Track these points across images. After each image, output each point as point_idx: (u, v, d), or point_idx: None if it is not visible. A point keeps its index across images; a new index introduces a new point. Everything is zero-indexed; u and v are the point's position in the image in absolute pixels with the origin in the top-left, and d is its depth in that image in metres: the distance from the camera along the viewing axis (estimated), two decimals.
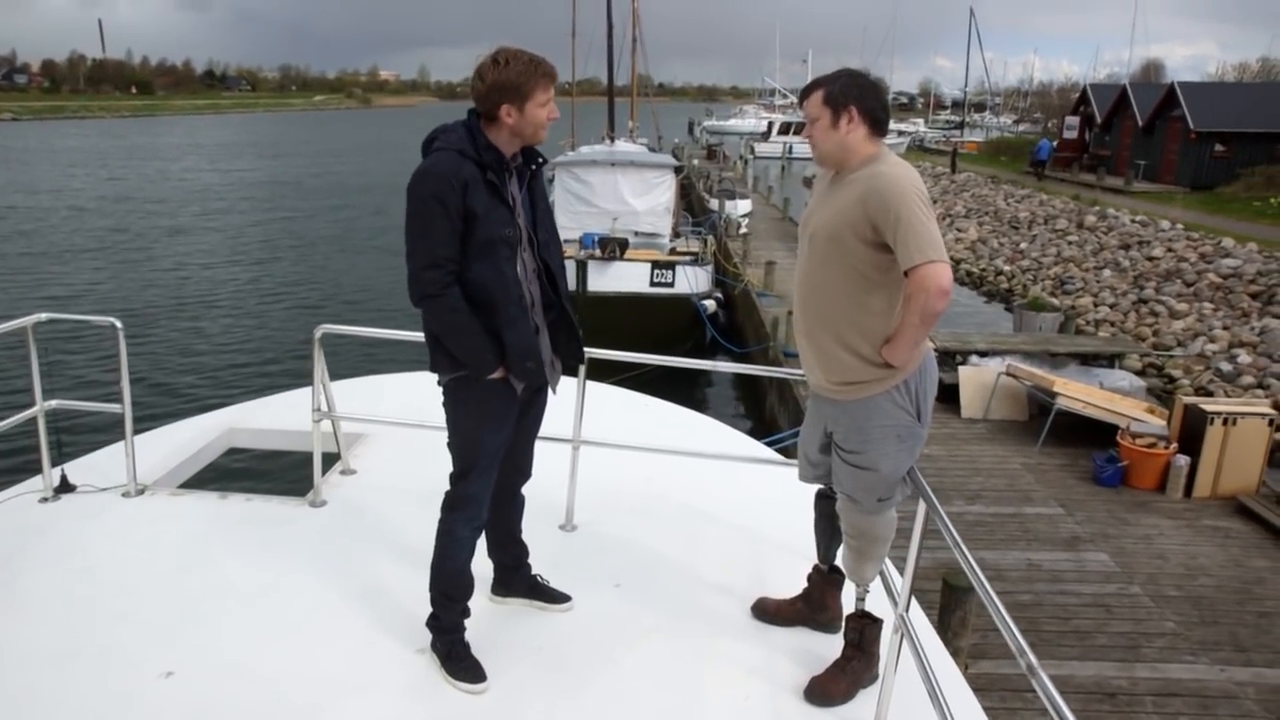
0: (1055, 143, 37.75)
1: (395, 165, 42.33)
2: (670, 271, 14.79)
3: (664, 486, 4.07)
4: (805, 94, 2.61)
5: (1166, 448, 8.30)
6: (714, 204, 23.88)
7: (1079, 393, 8.99)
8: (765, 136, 56.75)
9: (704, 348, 16.06)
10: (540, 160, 2.69)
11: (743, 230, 21.96)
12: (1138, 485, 8.22)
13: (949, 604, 5.09)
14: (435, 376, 2.69)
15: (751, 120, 71.05)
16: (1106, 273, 19.65)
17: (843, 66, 2.66)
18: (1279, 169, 26.89)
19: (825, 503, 2.97)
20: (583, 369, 3.29)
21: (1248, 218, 23.69)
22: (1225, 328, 14.65)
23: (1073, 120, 38.85)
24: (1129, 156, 32.39)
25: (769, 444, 6.11)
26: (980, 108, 77.32)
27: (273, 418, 4.66)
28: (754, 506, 3.91)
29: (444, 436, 2.73)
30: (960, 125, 66.90)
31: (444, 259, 2.46)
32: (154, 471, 3.99)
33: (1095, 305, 17.68)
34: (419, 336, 2.75)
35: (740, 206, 24.34)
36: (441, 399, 2.70)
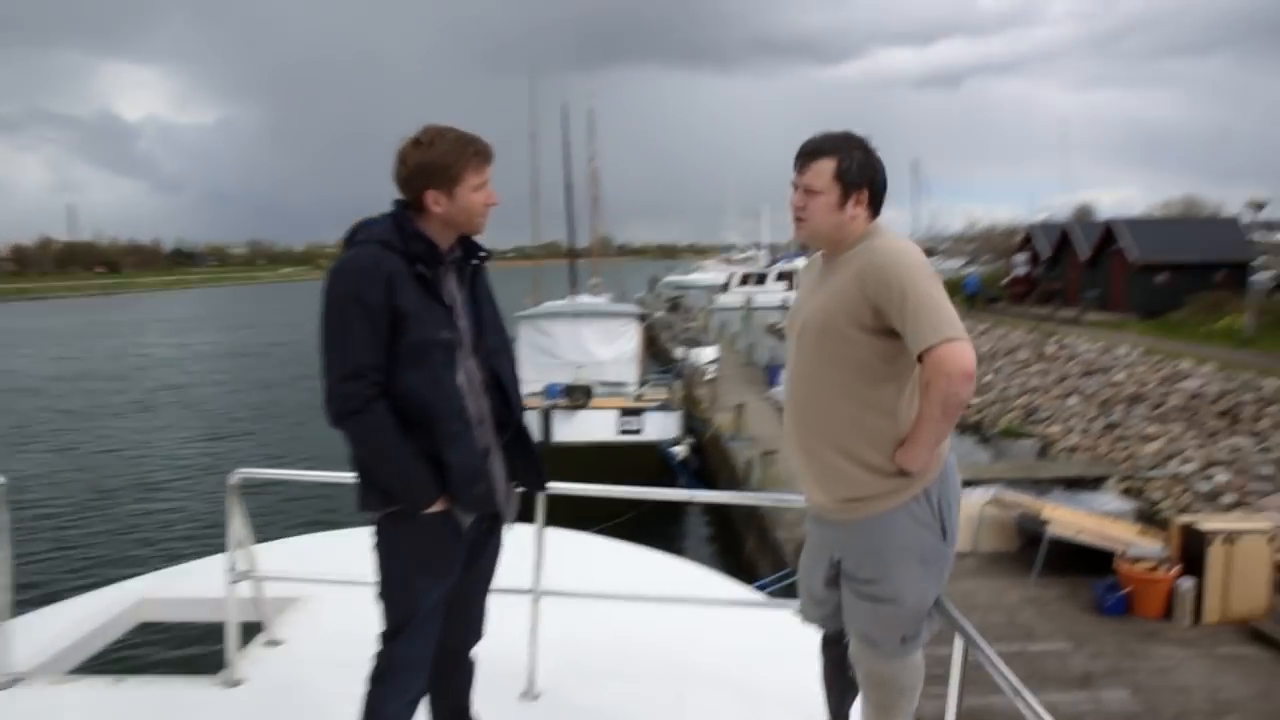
0: (1006, 278, 38.89)
1: None
2: (638, 418, 14.47)
3: (641, 641, 3.56)
4: (806, 158, 2.19)
5: (1168, 571, 7.87)
6: (679, 352, 23.87)
7: (1069, 518, 8.62)
8: (725, 288, 57.85)
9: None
10: (483, 254, 2.35)
11: (709, 376, 21.84)
12: (1143, 613, 7.74)
13: None
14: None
15: (712, 274, 72.62)
16: (1073, 400, 19.65)
17: (843, 131, 2.25)
18: (1221, 295, 27.61)
19: (835, 649, 2.51)
20: (542, 502, 2.85)
21: (1199, 340, 24.10)
22: (1200, 446, 14.50)
23: (1021, 257, 40.10)
24: (1078, 289, 33.22)
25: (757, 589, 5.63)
26: (930, 253, 79.86)
27: (193, 585, 4.11)
28: (747, 658, 3.41)
29: None
30: None
31: (366, 367, 2.09)
32: (38, 655, 3.41)
33: (1065, 433, 17.54)
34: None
35: (706, 353, 24.35)
36: (373, 539, 2.27)
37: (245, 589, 3.30)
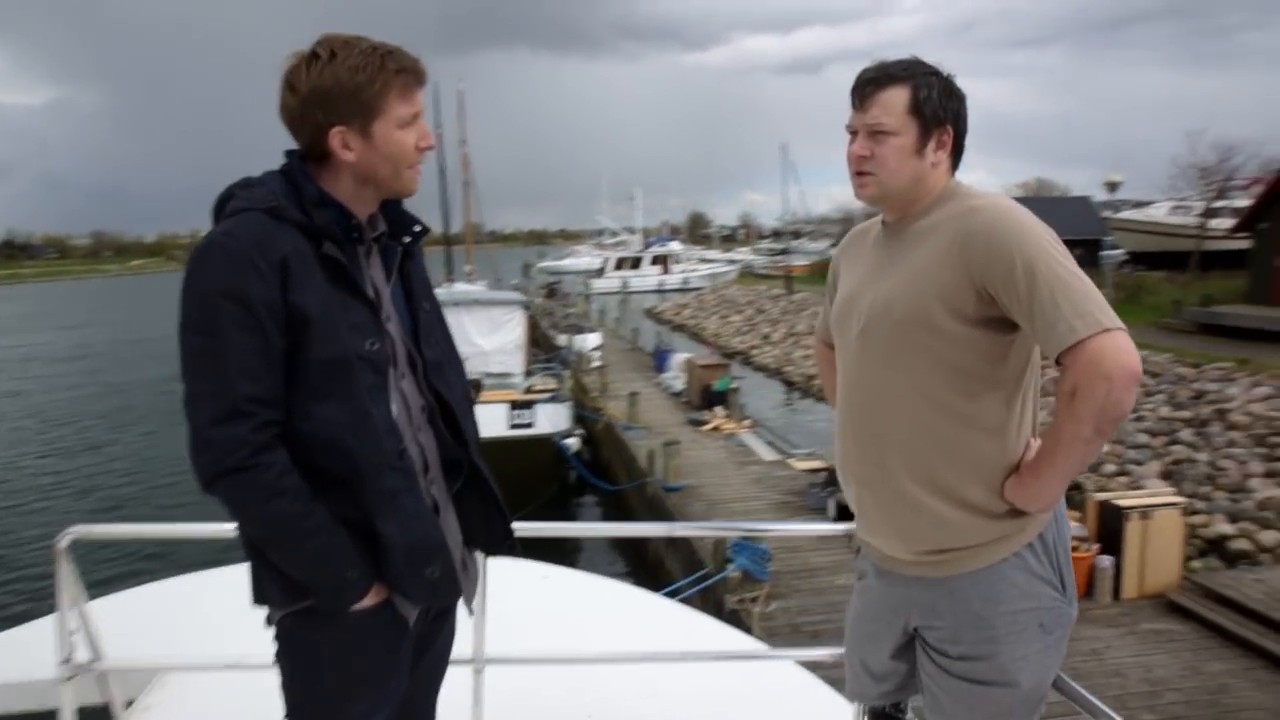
0: None
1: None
2: (529, 411, 13.89)
3: (602, 704, 2.93)
4: (869, 88, 1.64)
5: (1088, 549, 7.80)
6: (563, 339, 23.23)
7: None
8: (601, 273, 57.48)
9: (570, 488, 14.96)
10: (420, 229, 1.64)
11: (595, 363, 21.30)
12: None
13: None
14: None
15: (586, 259, 72.08)
16: None
17: (909, 56, 1.65)
18: (1091, 271, 28.94)
19: None
20: (483, 565, 2.12)
21: None
22: None
23: None
24: None
25: (667, 594, 5.07)
26: (796, 235, 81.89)
27: (13, 665, 3.22)
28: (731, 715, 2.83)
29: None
30: (784, 251, 70.28)
31: (252, 401, 1.38)
32: None
33: None
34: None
35: (590, 340, 23.87)
36: (274, 646, 1.56)
37: (84, 664, 2.49)
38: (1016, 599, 1.61)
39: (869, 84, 1.64)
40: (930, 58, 1.67)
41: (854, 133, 1.68)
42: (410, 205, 1.68)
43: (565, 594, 3.83)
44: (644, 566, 11.28)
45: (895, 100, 1.62)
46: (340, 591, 1.44)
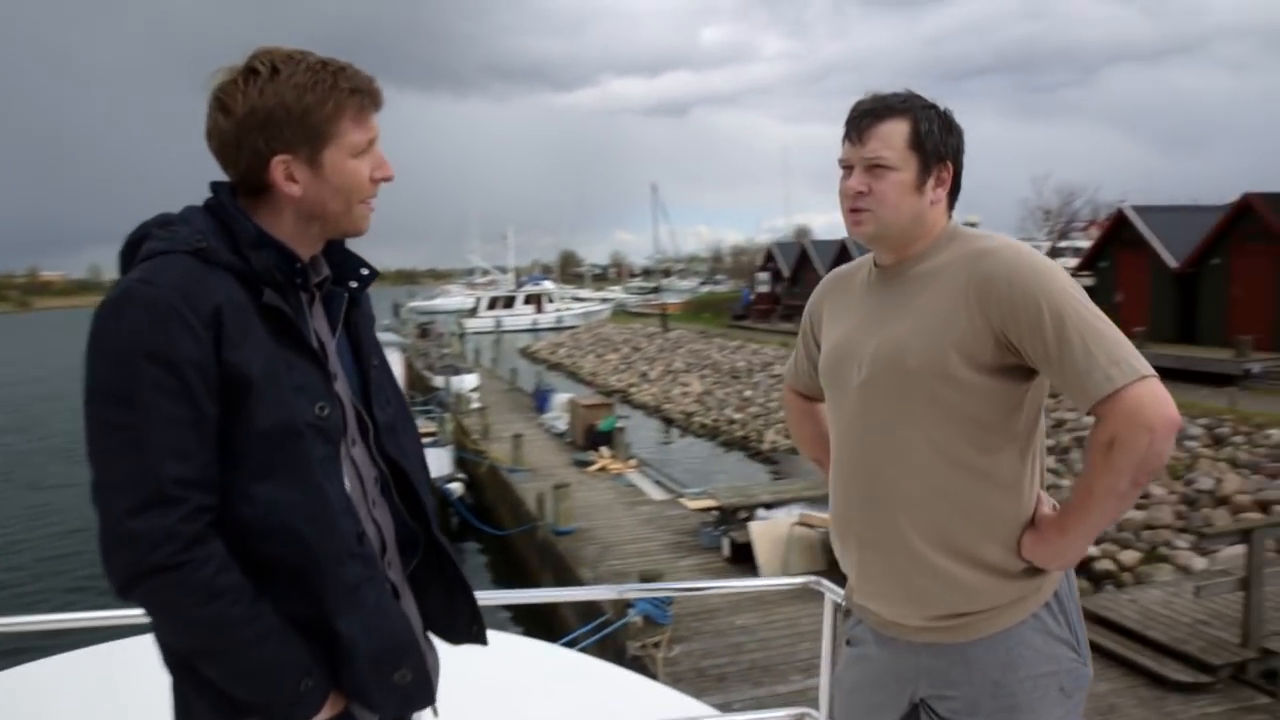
0: (753, 295, 41.07)
1: (55, 371, 35.65)
2: None
3: None
4: (867, 120, 1.55)
5: None
6: (439, 381, 22.66)
7: None
8: (474, 312, 56.84)
9: (454, 534, 14.46)
10: (368, 272, 1.42)
11: (475, 405, 20.82)
12: None
13: None
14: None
15: (458, 298, 71.14)
16: None
17: (905, 90, 1.57)
18: None
19: None
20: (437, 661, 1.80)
21: None
22: None
23: (764, 276, 42.27)
24: None
25: (565, 644, 4.84)
26: (667, 273, 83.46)
27: None
28: None
29: None
30: (657, 289, 71.27)
31: (181, 484, 1.13)
32: None
33: None
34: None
35: (467, 381, 23.36)
36: None
37: None
38: (1037, 663, 1.52)
39: (866, 115, 1.55)
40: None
41: (848, 167, 1.58)
42: None
43: (493, 660, 3.52)
44: (534, 614, 10.93)
45: (895, 133, 1.53)
46: (292, 708, 1.20)
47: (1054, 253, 31.71)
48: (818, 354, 1.79)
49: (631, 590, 2.74)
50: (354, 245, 1.40)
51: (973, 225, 1.66)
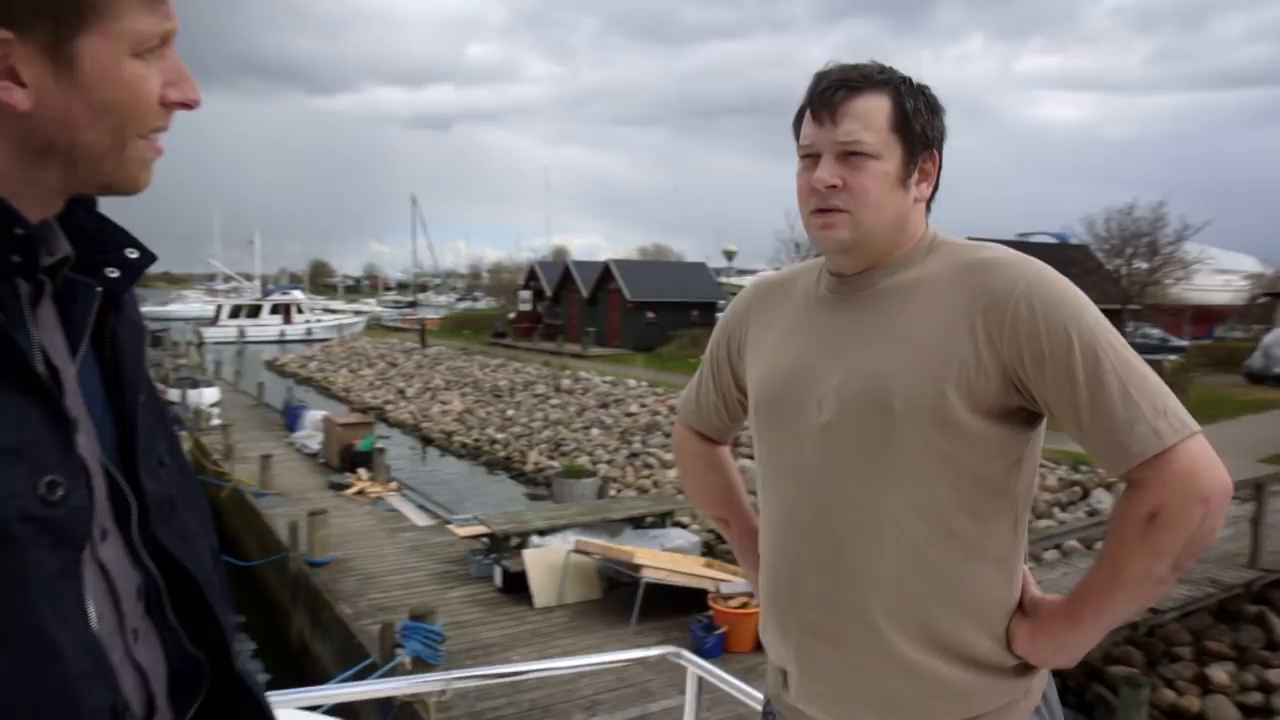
0: (513, 314, 40.81)
1: None
2: None
3: None
4: (840, 93, 1.21)
5: (756, 604, 8.11)
6: (175, 395, 20.54)
7: (662, 561, 8.53)
8: (215, 321, 52.58)
9: None
10: (138, 256, 0.85)
11: (215, 421, 19.02)
12: (738, 649, 7.84)
13: None
14: None
15: (196, 305, 65.49)
16: (594, 431, 20.62)
17: (875, 62, 1.26)
18: (699, 331, 31.55)
19: None
20: None
21: (687, 371, 27.12)
22: None
23: (525, 294, 42.06)
24: (579, 325, 35.67)
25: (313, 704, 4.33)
26: (424, 288, 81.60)
27: None
28: None
29: None
30: (413, 304, 69.27)
31: None
32: None
33: (594, 464, 18.24)
34: None
35: (207, 395, 21.41)
36: None
37: None
38: None
39: (840, 88, 1.22)
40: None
41: (812, 156, 1.25)
42: None
43: None
44: (283, 655, 9.97)
45: (875, 112, 1.22)
46: None
47: None
48: (734, 384, 1.50)
49: (460, 679, 2.25)
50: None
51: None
